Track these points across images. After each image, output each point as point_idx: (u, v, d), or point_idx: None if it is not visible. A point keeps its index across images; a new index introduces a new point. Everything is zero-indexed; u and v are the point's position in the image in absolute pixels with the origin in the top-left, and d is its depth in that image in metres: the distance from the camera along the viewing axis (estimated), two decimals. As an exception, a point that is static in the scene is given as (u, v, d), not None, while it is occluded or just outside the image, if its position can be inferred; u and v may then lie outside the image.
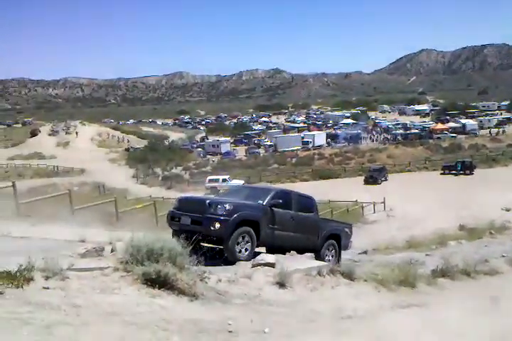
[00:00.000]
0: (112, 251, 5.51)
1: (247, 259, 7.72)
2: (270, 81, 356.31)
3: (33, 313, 3.53)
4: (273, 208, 8.69)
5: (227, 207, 7.82)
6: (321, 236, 10.02)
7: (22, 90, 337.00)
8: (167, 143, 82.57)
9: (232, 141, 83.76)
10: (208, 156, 72.03)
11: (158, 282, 4.76)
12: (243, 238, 7.90)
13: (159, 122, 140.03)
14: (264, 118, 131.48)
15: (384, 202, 32.62)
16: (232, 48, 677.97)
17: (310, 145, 71.51)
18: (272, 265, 6.87)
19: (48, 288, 4.08)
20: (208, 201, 8.15)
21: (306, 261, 8.37)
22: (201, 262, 5.52)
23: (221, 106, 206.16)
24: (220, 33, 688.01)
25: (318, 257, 9.82)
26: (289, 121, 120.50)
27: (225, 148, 74.56)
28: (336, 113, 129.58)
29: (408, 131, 79.46)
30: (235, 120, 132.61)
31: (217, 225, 7.59)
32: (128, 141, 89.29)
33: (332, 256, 10.36)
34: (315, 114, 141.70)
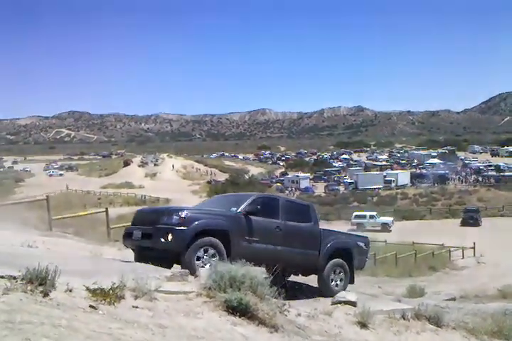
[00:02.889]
0: (196, 276, 5.63)
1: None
2: (352, 118, 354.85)
3: (123, 330, 3.66)
4: (250, 216, 7.29)
5: (183, 214, 6.55)
6: (324, 252, 8.23)
7: (118, 124, 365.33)
8: (247, 177, 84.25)
9: (311, 177, 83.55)
10: (287, 191, 72.20)
11: (239, 310, 4.76)
12: (206, 251, 6.57)
13: (241, 156, 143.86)
14: (344, 156, 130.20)
15: (474, 247, 30.34)
16: (315, 86, 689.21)
17: (393, 185, 69.30)
18: (353, 304, 6.59)
19: (137, 307, 4.23)
20: (162, 210, 7.19)
21: (390, 303, 7.94)
22: (282, 294, 5.45)
23: (301, 143, 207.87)
24: (303, 71, 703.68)
25: (322, 280, 8.15)
26: (370, 159, 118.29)
27: (304, 183, 74.46)
28: (422, 152, 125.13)
29: (501, 173, 74.32)
30: (314, 156, 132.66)
31: (170, 237, 6.33)
32: (213, 174, 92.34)
33: (341, 280, 8.47)
34: (398, 152, 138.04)
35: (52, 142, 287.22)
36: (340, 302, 6.62)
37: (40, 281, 3.95)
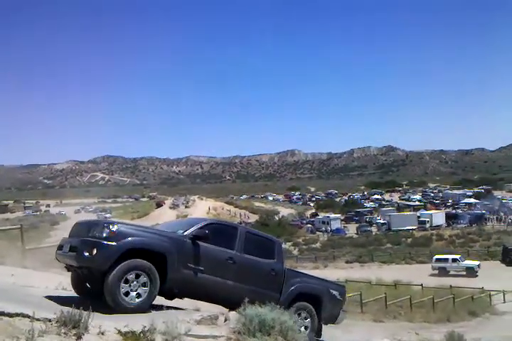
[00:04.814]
0: (226, 320, 5.60)
1: (139, 309, 5.56)
2: (383, 158, 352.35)
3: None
4: (198, 241, 6.39)
5: (114, 228, 5.74)
6: (286, 296, 7.20)
7: (150, 167, 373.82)
8: (277, 218, 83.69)
9: (342, 217, 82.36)
10: (318, 233, 71.11)
11: (269, 356, 4.68)
12: (136, 276, 5.69)
13: (270, 198, 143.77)
14: (376, 196, 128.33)
15: (516, 291, 28.74)
16: (344, 126, 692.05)
17: (427, 225, 67.47)
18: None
19: (167, 351, 4.25)
20: (95, 222, 6.39)
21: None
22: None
23: (331, 183, 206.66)
24: (332, 112, 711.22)
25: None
26: (403, 199, 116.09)
27: (335, 224, 73.39)
28: (456, 191, 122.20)
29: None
30: (345, 197, 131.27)
31: (94, 251, 5.51)
32: (245, 216, 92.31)
33: (305, 327, 7.27)
34: (432, 192, 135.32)
35: (88, 186, 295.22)
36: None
37: (74, 324, 4.05)
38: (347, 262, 46.97)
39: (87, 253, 5.53)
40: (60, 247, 6.28)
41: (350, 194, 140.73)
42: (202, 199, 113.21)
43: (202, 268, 6.33)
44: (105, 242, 5.57)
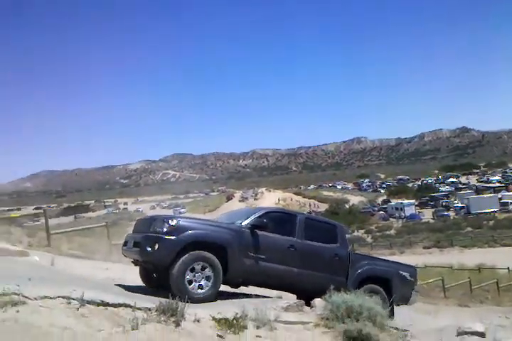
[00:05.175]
0: (312, 307, 5.66)
1: (206, 299, 5.68)
2: (457, 140, 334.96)
3: (249, 359, 3.82)
4: (257, 231, 6.45)
5: (173, 222, 5.89)
6: (353, 279, 7.13)
7: (217, 163, 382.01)
8: (347, 206, 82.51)
9: (416, 203, 79.56)
10: (391, 219, 69.29)
11: (360, 341, 4.69)
12: (200, 268, 5.81)
13: (339, 186, 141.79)
14: (452, 179, 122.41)
15: None
16: (413, 110, 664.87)
17: (510, 207, 63.56)
18: (481, 334, 6.12)
19: (260, 337, 4.38)
20: (155, 217, 6.42)
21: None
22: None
23: (402, 169, 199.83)
24: (398, 96, 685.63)
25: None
26: (481, 181, 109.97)
27: (409, 210, 71.11)
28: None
29: None
30: (418, 182, 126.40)
31: (156, 246, 5.70)
32: (314, 205, 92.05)
33: None
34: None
35: (161, 183, 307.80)
36: (466, 333, 6.19)
37: (172, 312, 4.29)
38: (425, 248, 45.36)
39: (149, 248, 5.70)
40: (125, 243, 6.54)
41: (423, 179, 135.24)
42: (270, 191, 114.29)
43: (263, 257, 6.38)
44: (166, 237, 5.72)
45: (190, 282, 5.71)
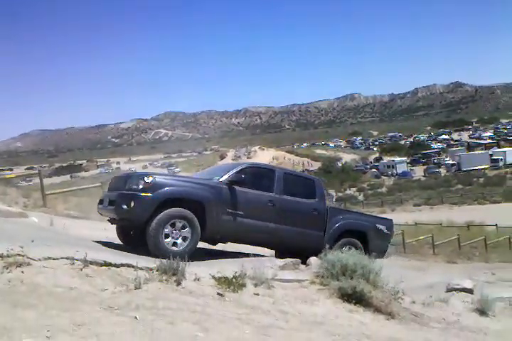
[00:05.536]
0: (307, 265, 5.85)
1: (182, 255, 5.30)
2: (450, 96, 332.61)
3: (249, 315, 3.99)
4: (235, 187, 6.37)
5: (149, 179, 5.77)
6: (330, 233, 7.17)
7: (210, 121, 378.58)
8: (340, 164, 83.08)
9: (408, 160, 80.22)
10: (383, 177, 70.08)
11: (354, 298, 4.89)
12: (177, 224, 5.78)
13: (332, 144, 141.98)
14: (444, 136, 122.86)
15: None
16: (406, 65, 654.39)
17: (501, 164, 64.30)
18: (469, 291, 6.40)
19: (258, 294, 4.56)
20: (131, 175, 6.35)
21: (508, 289, 7.54)
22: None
23: (395, 126, 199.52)
24: (391, 51, 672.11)
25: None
26: (473, 138, 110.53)
27: (401, 168, 71.92)
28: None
29: None
30: (410, 139, 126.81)
31: (132, 203, 5.64)
32: (308, 164, 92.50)
33: None
34: (505, 128, 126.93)
35: (153, 142, 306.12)
36: (455, 290, 6.47)
37: (173, 272, 4.43)
38: (415, 205, 46.31)
39: (125, 206, 5.67)
40: (101, 201, 6.47)
41: (415, 135, 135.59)
42: (263, 149, 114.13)
43: (242, 213, 6.35)
44: (141, 194, 5.66)
45: (168, 240, 5.69)
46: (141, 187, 5.71)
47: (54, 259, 4.22)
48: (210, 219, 6.06)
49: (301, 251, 6.99)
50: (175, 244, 5.74)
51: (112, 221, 6.55)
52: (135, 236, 6.35)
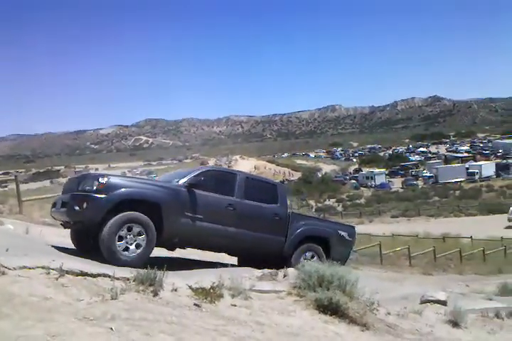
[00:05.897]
0: (285, 276, 5.89)
1: (137, 262, 5.39)
2: (428, 109, 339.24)
3: (225, 326, 4.00)
4: (194, 190, 6.24)
5: (104, 180, 5.56)
6: (292, 238, 7.13)
7: (191, 129, 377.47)
8: (320, 175, 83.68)
9: (387, 172, 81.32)
10: (362, 188, 70.80)
11: (330, 309, 4.94)
12: (131, 229, 5.53)
13: (312, 155, 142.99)
14: (422, 149, 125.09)
15: None
16: (386, 79, 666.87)
17: (476, 177, 65.72)
18: (443, 303, 6.51)
19: (235, 305, 4.57)
20: (85, 175, 6.11)
21: (481, 301, 7.70)
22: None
23: (374, 138, 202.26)
24: (372, 64, 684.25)
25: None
26: (450, 151, 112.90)
27: (379, 179, 72.82)
28: (507, 141, 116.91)
29: None
30: (389, 151, 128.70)
31: (84, 205, 5.40)
32: (288, 174, 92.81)
33: None
34: (481, 142, 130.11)
35: (133, 149, 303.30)
36: (429, 301, 6.57)
37: (150, 282, 4.42)
38: (393, 217, 46.92)
39: (77, 208, 5.43)
40: (54, 205, 6.21)
41: (394, 148, 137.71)
42: (244, 158, 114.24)
43: (201, 216, 6.22)
44: (95, 195, 5.44)
45: (122, 245, 5.47)
46: (95, 188, 5.50)
47: (29, 268, 4.18)
48: (168, 222, 5.88)
49: (261, 256, 6.98)
50: (127, 248, 5.51)
51: (65, 225, 6.25)
52: (90, 241, 6.05)
